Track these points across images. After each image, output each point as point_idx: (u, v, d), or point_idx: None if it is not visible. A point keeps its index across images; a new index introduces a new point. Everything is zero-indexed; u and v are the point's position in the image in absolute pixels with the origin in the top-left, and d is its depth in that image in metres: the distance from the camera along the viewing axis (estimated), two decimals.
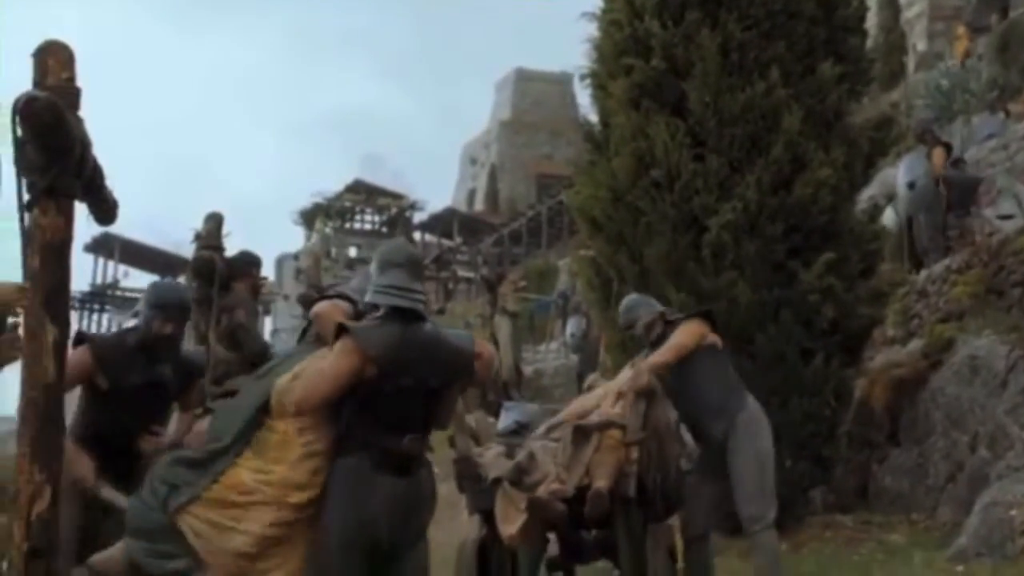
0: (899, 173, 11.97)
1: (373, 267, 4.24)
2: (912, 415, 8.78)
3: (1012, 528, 6.61)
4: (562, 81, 53.03)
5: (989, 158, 14.18)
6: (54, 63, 4.06)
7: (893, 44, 29.00)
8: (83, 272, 44.49)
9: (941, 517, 8.05)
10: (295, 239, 58.05)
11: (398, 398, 3.98)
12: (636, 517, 5.70)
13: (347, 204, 60.49)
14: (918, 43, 27.98)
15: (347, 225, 60.59)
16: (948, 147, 12.03)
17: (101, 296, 48.10)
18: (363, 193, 59.16)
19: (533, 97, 62.98)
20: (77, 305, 42.68)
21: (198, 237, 7.48)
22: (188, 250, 7.90)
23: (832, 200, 8.11)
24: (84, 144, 4.03)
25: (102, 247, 46.23)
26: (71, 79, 4.08)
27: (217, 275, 6.99)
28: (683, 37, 8.23)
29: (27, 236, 3.96)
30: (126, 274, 47.55)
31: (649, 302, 6.31)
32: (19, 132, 3.85)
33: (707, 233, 8.09)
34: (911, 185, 11.59)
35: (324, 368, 3.97)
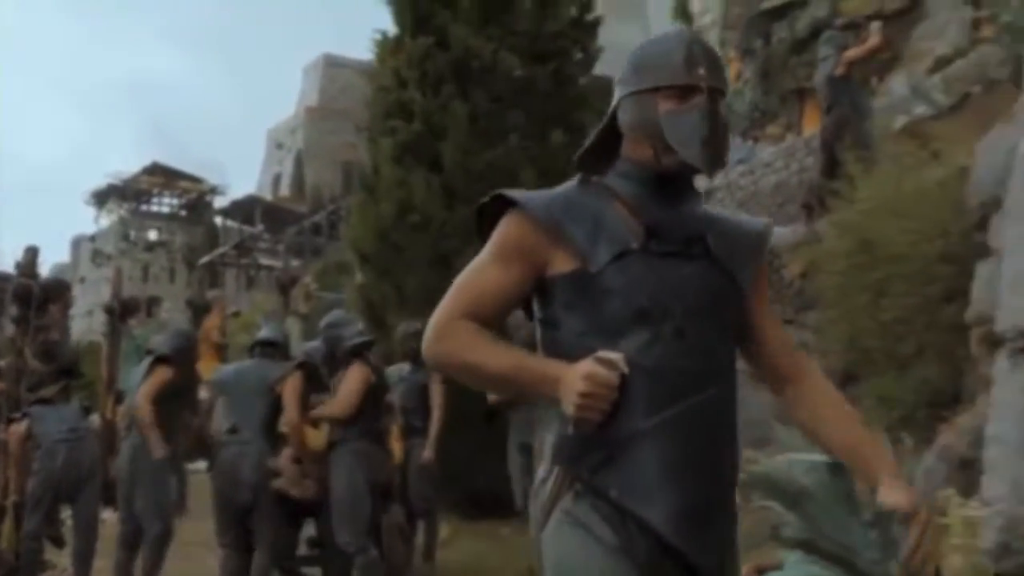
0: None
1: None
2: None
3: None
4: (371, 70, 52.68)
5: (739, 182, 15.74)
6: None
7: None
8: None
9: None
10: (87, 219, 56.59)
11: None
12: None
13: (143, 186, 58.69)
14: None
15: (143, 208, 59.15)
16: None
17: None
18: (161, 175, 57.79)
19: (341, 84, 62.24)
20: None
21: (18, 266, 8.62)
22: None
23: None
24: None
25: None
26: None
27: (34, 299, 8.23)
28: (439, 106, 9.72)
29: None
30: None
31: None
32: None
33: (455, 270, 9.66)
34: None
35: None
